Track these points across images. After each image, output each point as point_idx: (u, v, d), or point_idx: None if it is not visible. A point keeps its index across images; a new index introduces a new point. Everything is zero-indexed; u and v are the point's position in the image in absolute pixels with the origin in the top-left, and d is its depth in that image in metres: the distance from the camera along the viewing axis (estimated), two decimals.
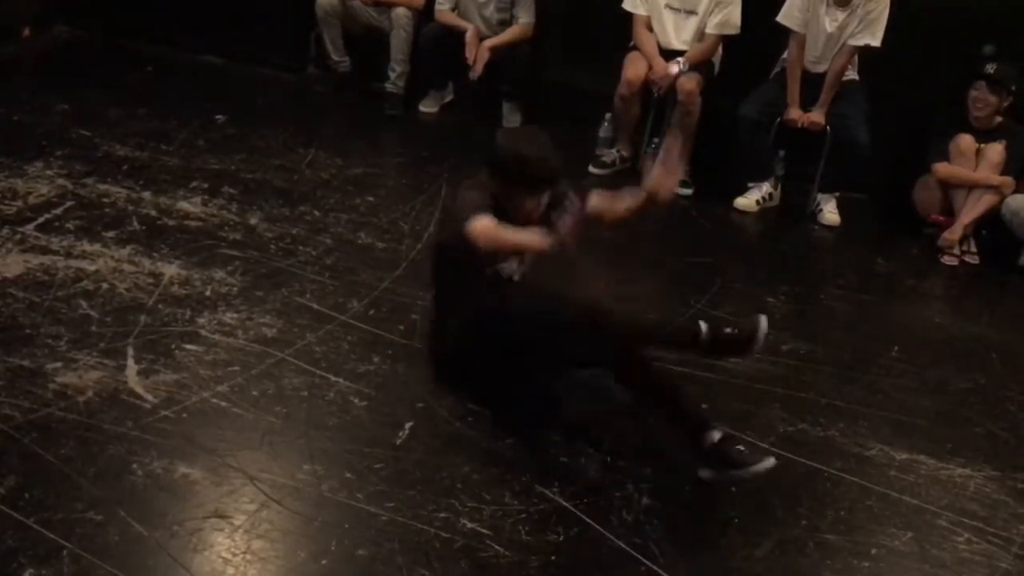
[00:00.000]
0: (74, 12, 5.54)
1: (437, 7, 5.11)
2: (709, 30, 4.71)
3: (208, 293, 3.22)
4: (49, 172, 3.90)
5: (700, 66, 4.70)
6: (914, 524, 2.68)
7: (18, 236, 3.40)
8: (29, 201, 3.65)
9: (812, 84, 4.66)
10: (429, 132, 5.19)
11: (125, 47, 5.47)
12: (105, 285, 3.17)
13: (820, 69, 4.66)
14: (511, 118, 5.25)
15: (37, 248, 3.34)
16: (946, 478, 2.90)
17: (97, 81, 4.95)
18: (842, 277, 4.27)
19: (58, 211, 3.61)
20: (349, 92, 5.37)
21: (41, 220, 3.53)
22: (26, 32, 5.40)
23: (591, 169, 4.89)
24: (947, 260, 4.52)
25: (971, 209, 4.53)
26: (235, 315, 3.11)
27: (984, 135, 4.59)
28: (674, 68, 4.63)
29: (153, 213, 3.70)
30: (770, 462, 2.59)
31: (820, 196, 4.77)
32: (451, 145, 4.93)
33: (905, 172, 4.82)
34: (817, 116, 4.63)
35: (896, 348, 3.62)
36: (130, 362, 2.80)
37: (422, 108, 5.32)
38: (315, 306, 3.24)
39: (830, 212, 4.72)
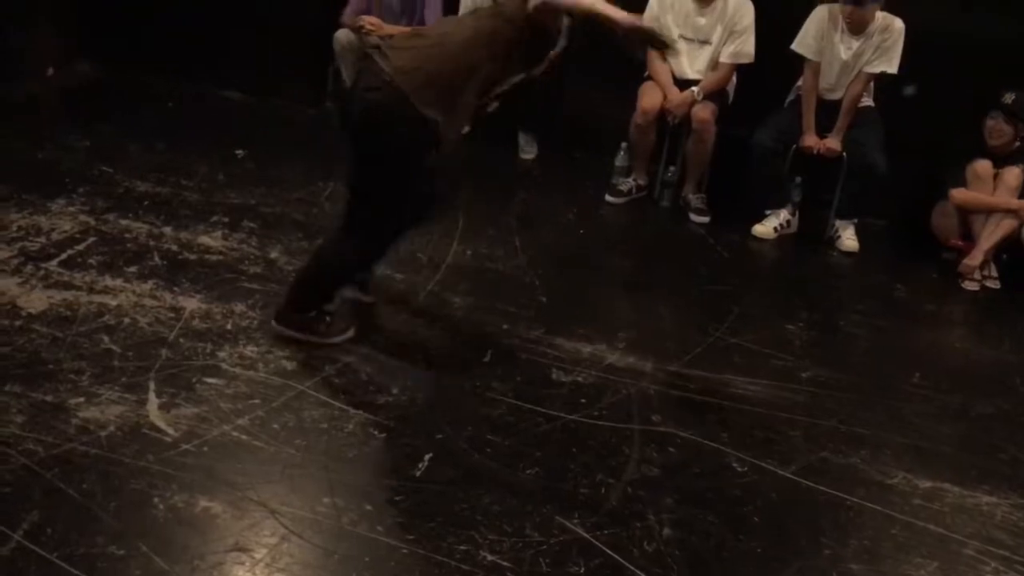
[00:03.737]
0: (96, 50, 5.63)
1: None
2: (723, 59, 4.73)
3: (229, 326, 3.24)
4: (72, 208, 3.95)
5: (714, 95, 4.72)
6: (940, 554, 2.64)
7: (42, 272, 3.44)
8: (52, 237, 3.70)
9: (827, 111, 4.67)
10: (445, 163, 5.21)
11: (146, 84, 5.55)
12: (127, 320, 3.20)
13: (835, 96, 4.67)
14: (527, 148, 5.29)
15: (60, 284, 3.37)
16: (972, 506, 2.86)
17: (119, 118, 5.02)
18: (861, 303, 4.26)
19: (81, 247, 3.66)
20: None
21: (64, 256, 3.57)
22: (50, 71, 5.49)
23: (608, 198, 4.90)
24: (968, 285, 4.49)
25: (990, 234, 4.51)
26: (255, 348, 3.13)
27: (1001, 160, 4.58)
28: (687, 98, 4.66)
29: (174, 248, 3.73)
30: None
31: (838, 222, 4.76)
32: (467, 176, 4.96)
33: (923, 198, 4.81)
34: (833, 142, 4.63)
35: (917, 374, 3.59)
36: (151, 396, 2.82)
37: None
38: (332, 339, 3.25)
39: (848, 238, 4.71)
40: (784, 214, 4.75)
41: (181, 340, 3.12)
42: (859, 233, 4.74)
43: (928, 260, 4.72)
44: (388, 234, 3.16)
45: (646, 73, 4.84)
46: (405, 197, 3.04)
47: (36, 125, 4.87)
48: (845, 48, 4.58)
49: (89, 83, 5.57)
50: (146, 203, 4.09)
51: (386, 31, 5.26)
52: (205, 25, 5.66)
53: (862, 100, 4.67)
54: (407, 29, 5.27)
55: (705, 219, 4.77)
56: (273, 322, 3.18)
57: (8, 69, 5.22)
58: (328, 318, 3.19)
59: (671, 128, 4.83)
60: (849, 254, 4.69)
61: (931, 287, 4.55)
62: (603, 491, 2.68)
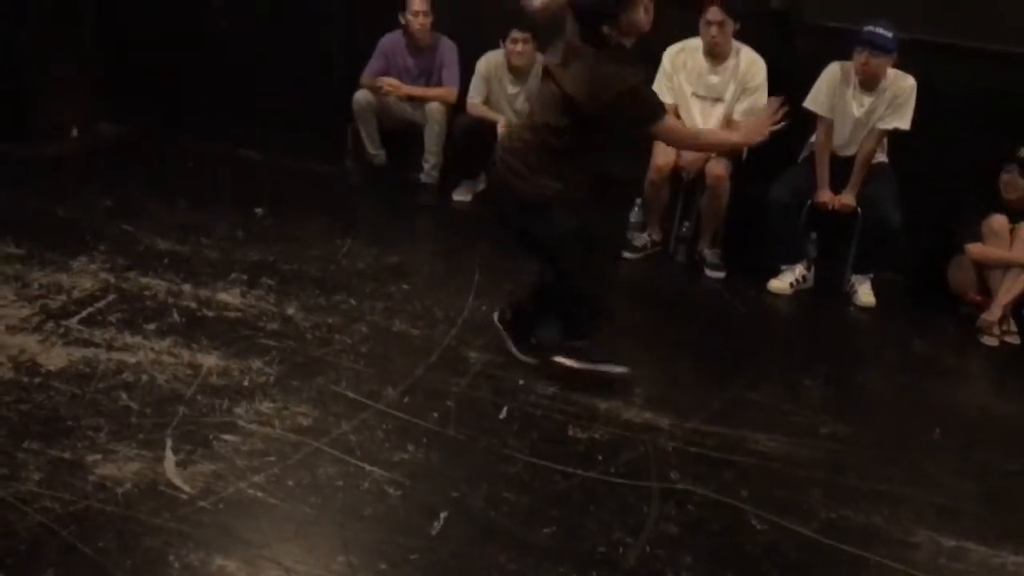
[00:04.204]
0: (120, 111, 5.74)
1: (469, 100, 5.26)
2: (736, 116, 4.78)
3: (246, 383, 3.25)
4: (93, 266, 4.00)
5: (728, 151, 4.76)
6: None
7: (62, 329, 3.47)
8: (73, 295, 3.74)
9: (841, 167, 4.69)
10: (462, 221, 5.27)
11: (168, 144, 5.65)
12: (145, 377, 3.22)
13: (849, 152, 4.70)
14: None
15: (80, 341, 3.41)
16: (998, 566, 2.81)
17: (140, 176, 5.11)
18: (880, 358, 4.23)
19: (101, 304, 3.70)
20: (384, 183, 5.50)
21: (84, 313, 3.61)
22: (74, 132, 5.60)
23: (624, 254, 4.92)
24: (987, 340, 4.46)
25: (1008, 289, 4.48)
26: (272, 405, 3.14)
27: (1017, 214, 4.57)
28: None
29: (193, 305, 3.77)
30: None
31: (854, 277, 4.76)
32: (483, 233, 4.99)
33: (939, 252, 4.80)
34: (848, 198, 4.65)
35: (938, 430, 3.55)
36: (168, 453, 2.83)
37: (455, 197, 5.42)
38: (350, 394, 3.26)
39: (865, 293, 4.70)
40: (800, 269, 4.75)
41: (198, 397, 3.13)
42: (876, 288, 4.73)
43: (946, 315, 4.69)
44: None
45: None
46: None
47: (59, 184, 4.96)
48: (857, 105, 4.62)
49: (112, 143, 5.68)
50: (166, 261, 4.14)
51: (404, 92, 5.37)
52: (226, 86, 5.78)
53: (876, 156, 4.69)
54: (427, 89, 5.38)
55: (721, 274, 4.78)
56: (564, 359, 3.43)
57: (34, 130, 5.34)
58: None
59: (685, 184, 4.87)
60: (866, 309, 4.68)
61: (950, 342, 4.52)
62: (621, 550, 2.65)
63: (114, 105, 5.73)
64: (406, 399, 3.28)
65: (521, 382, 3.48)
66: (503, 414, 3.26)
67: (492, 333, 3.71)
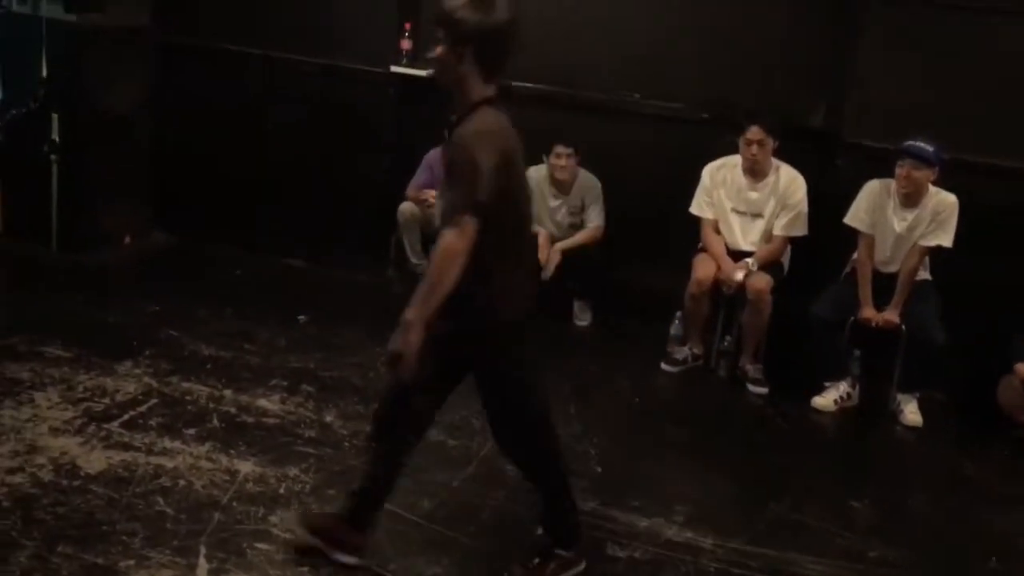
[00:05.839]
0: (172, 221, 5.92)
1: None
2: (776, 232, 4.80)
3: (282, 490, 3.23)
4: (137, 371, 4.05)
5: (770, 266, 4.77)
6: None
7: (103, 432, 3.50)
8: (116, 399, 3.78)
9: (884, 283, 4.66)
10: None
11: (216, 252, 5.79)
12: (182, 482, 3.22)
13: (891, 269, 4.67)
14: (582, 316, 5.35)
15: (120, 445, 3.42)
16: None
17: (188, 284, 5.22)
18: (929, 481, 4.10)
19: (143, 408, 3.73)
20: None
21: (126, 417, 3.64)
22: (127, 239, 5.77)
23: (663, 366, 4.88)
24: None
25: None
26: None
27: None
28: (739, 275, 4.70)
29: (233, 410, 3.79)
30: None
31: (900, 396, 4.66)
32: None
33: (987, 371, 4.70)
34: (891, 315, 4.59)
35: (994, 558, 3.41)
36: (202, 561, 2.80)
37: None
38: (387, 506, 3.21)
39: (911, 413, 4.60)
40: (844, 386, 4.67)
41: (234, 503, 3.12)
42: (922, 407, 4.62)
43: (996, 436, 4.55)
44: None
45: (700, 244, 4.92)
46: None
47: (110, 290, 5.08)
48: (899, 220, 4.62)
49: (163, 252, 5.83)
50: (208, 366, 4.18)
51: None
52: (272, 198, 5.95)
53: (919, 274, 4.66)
54: None
55: (763, 390, 4.71)
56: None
57: (89, 238, 5.51)
58: None
59: (726, 298, 4.86)
60: (913, 428, 4.56)
61: (1001, 465, 4.37)
62: None
63: (166, 214, 5.91)
64: (441, 511, 3.23)
65: None
66: (540, 530, 3.19)
67: None
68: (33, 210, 5.49)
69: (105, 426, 3.55)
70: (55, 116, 5.37)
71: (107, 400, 3.76)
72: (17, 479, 3.13)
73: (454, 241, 2.43)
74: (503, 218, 2.51)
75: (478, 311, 2.58)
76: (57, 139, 5.39)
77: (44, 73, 5.34)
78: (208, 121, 6.01)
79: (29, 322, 4.41)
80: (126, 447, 3.41)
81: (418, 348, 2.48)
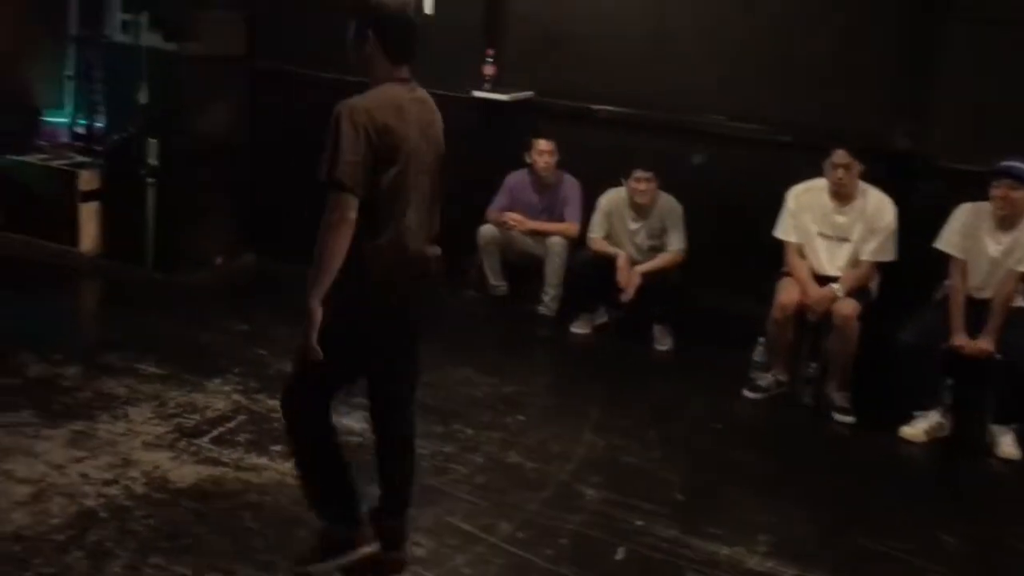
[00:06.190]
0: (263, 242, 6.09)
1: (590, 235, 5.36)
2: (864, 257, 4.70)
3: (364, 508, 3.27)
4: (226, 388, 4.17)
5: (857, 292, 4.66)
6: None
7: (193, 448, 3.61)
8: (206, 415, 3.90)
9: (978, 310, 4.51)
10: (580, 353, 5.29)
11: (303, 273, 5.91)
12: (268, 498, 3.29)
13: (985, 295, 4.52)
14: (662, 340, 5.31)
15: (209, 460, 3.53)
16: None
17: (276, 304, 5.34)
18: None
19: (231, 424, 3.83)
20: (504, 314, 5.58)
21: (215, 433, 3.75)
22: (219, 261, 5.96)
23: (746, 393, 4.81)
24: None
25: None
26: None
27: None
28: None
29: None
30: None
31: (995, 427, 4.49)
32: (602, 366, 5.00)
33: None
34: (985, 343, 4.43)
35: None
36: None
37: (574, 329, 5.45)
38: (465, 527, 3.24)
39: (1007, 445, 4.42)
40: (934, 416, 4.52)
41: (319, 521, 3.16)
42: (1020, 439, 4.45)
43: None
44: None
45: (784, 269, 4.85)
46: None
47: (202, 310, 5.24)
48: (994, 244, 4.47)
49: (253, 272, 6.00)
50: None
51: (529, 227, 5.51)
52: None
53: (1015, 300, 4.49)
54: (549, 224, 5.52)
55: (850, 419, 4.60)
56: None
57: (184, 260, 5.71)
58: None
59: (811, 324, 4.77)
60: (1008, 461, 4.38)
61: None
62: None
63: (258, 236, 6.08)
64: (520, 534, 3.23)
65: (639, 523, 3.39)
66: (619, 555, 3.17)
67: (609, 470, 3.65)
68: (131, 231, 5.73)
69: (195, 441, 3.66)
70: (153, 141, 5.60)
71: (197, 416, 3.88)
72: (112, 491, 3.25)
73: (326, 216, 2.70)
74: (371, 193, 2.72)
75: (349, 280, 2.78)
76: (155, 163, 5.62)
77: (144, 100, 5.59)
78: (298, 145, 6.16)
79: (125, 340, 4.59)
80: (215, 462, 3.51)
81: (318, 330, 2.66)
